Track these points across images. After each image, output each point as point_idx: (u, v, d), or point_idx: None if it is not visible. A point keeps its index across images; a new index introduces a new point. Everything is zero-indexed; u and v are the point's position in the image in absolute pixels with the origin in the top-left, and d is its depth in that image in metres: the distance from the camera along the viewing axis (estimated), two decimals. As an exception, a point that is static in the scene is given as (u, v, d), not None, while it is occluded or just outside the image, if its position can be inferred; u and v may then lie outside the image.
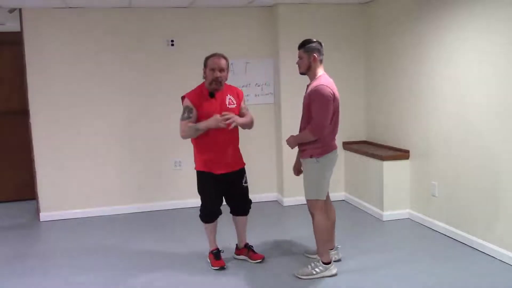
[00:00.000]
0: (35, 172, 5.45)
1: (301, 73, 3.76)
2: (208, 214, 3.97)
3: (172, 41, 5.61)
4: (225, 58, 3.79)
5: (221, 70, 3.73)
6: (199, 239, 4.62)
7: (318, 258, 3.73)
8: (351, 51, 5.83)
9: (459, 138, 4.30)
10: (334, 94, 3.57)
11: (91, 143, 5.52)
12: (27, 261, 4.28)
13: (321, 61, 3.69)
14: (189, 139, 3.93)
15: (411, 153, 5.03)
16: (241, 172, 3.98)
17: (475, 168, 4.13)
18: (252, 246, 4.15)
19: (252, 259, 4.07)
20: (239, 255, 4.17)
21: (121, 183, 5.65)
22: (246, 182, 4.01)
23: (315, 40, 3.73)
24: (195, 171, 5.71)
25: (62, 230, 5.14)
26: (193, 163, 5.77)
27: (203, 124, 3.70)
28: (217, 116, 3.67)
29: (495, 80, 3.88)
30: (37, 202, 5.49)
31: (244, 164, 4.01)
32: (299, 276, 3.71)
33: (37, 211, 5.51)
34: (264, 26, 5.80)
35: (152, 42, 5.57)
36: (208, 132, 3.74)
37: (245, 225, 4.14)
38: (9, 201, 6.24)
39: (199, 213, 4.03)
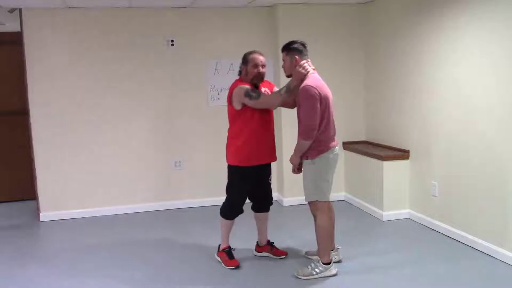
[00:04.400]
0: (35, 172, 5.45)
1: (287, 76, 3.75)
2: (236, 210, 3.98)
3: (172, 41, 5.61)
4: (263, 55, 3.88)
5: (263, 66, 3.83)
6: (200, 239, 4.63)
7: (318, 258, 3.73)
8: (351, 51, 5.83)
9: (459, 138, 4.30)
10: (321, 94, 3.53)
11: (91, 143, 5.52)
12: (27, 261, 4.27)
13: None
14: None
15: (411, 153, 5.03)
16: (270, 167, 4.08)
17: (475, 168, 4.13)
18: (274, 243, 4.21)
19: (276, 255, 4.13)
20: (260, 252, 4.20)
21: (121, 183, 5.65)
22: (271, 179, 4.11)
23: (297, 41, 3.70)
24: (196, 171, 5.78)
25: (62, 230, 5.14)
26: (194, 162, 5.80)
27: (293, 82, 3.67)
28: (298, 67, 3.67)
29: (495, 79, 3.88)
30: (37, 202, 5.49)
31: (276, 158, 4.09)
32: (299, 277, 3.71)
33: (37, 211, 5.51)
34: (264, 26, 5.80)
35: (152, 42, 5.56)
36: (260, 119, 3.80)
37: (267, 221, 4.19)
38: (9, 201, 6.24)
39: (220, 208, 4.03)
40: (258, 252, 4.21)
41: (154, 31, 5.56)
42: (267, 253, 4.17)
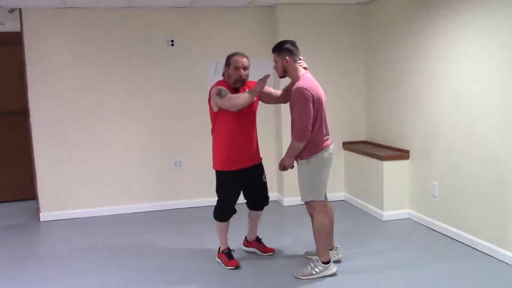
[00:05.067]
0: (35, 172, 5.45)
1: (280, 77, 3.78)
2: (226, 212, 3.97)
3: (172, 41, 5.61)
4: (247, 57, 3.83)
5: (245, 68, 3.77)
6: (200, 239, 4.64)
7: (317, 258, 3.73)
8: (350, 51, 5.83)
9: (459, 137, 4.30)
10: (314, 95, 3.53)
11: (91, 143, 5.52)
12: (27, 261, 4.28)
13: (295, 61, 3.66)
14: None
15: (411, 153, 5.03)
16: (261, 167, 4.06)
17: (475, 168, 4.13)
18: (261, 239, 4.23)
19: (263, 252, 4.16)
20: (248, 247, 4.23)
21: (121, 183, 5.65)
22: (265, 178, 4.10)
23: (288, 41, 3.70)
24: (196, 171, 5.78)
25: (62, 230, 5.14)
26: (194, 162, 5.80)
27: (255, 91, 3.71)
28: (261, 80, 3.73)
29: (495, 80, 3.88)
30: (37, 202, 5.49)
31: (260, 159, 4.08)
32: (299, 277, 3.71)
33: (37, 211, 5.51)
34: (264, 26, 5.80)
35: (152, 42, 5.57)
36: (237, 122, 3.78)
37: (259, 220, 4.21)
38: (9, 201, 6.24)
39: (212, 211, 4.02)
40: (246, 247, 4.25)
41: (154, 31, 5.56)
42: (254, 249, 4.21)
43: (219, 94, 3.69)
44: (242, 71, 3.75)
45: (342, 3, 5.68)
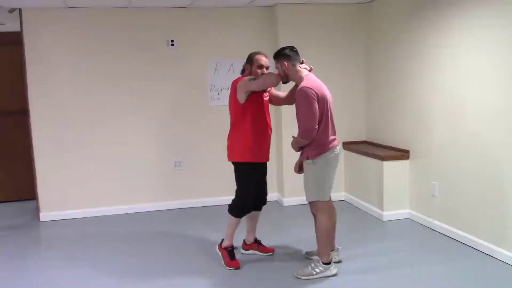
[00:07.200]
0: (35, 172, 5.45)
1: (283, 83, 3.81)
2: (247, 207, 3.97)
3: (172, 41, 5.61)
4: (266, 56, 3.95)
5: (267, 67, 3.89)
6: (200, 239, 4.63)
7: (318, 258, 3.73)
8: (351, 51, 5.83)
9: (459, 138, 4.30)
10: (319, 94, 3.55)
11: (91, 143, 5.52)
12: (27, 261, 4.28)
13: (294, 66, 3.68)
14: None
15: (411, 153, 5.03)
16: (267, 166, 4.12)
17: (475, 167, 4.13)
18: (260, 240, 4.24)
19: (263, 252, 4.18)
20: (247, 250, 4.23)
21: (121, 183, 5.65)
22: (267, 178, 4.15)
23: (286, 47, 3.75)
24: (196, 171, 5.78)
25: (62, 230, 5.14)
26: (194, 162, 5.80)
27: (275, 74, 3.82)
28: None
29: (496, 80, 3.88)
30: (37, 202, 5.49)
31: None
32: (299, 277, 3.71)
33: (37, 211, 5.51)
34: (264, 26, 5.80)
35: (152, 42, 5.56)
36: (261, 116, 3.89)
37: (258, 221, 4.23)
38: (9, 201, 6.24)
39: (228, 206, 4.02)
40: (245, 250, 4.24)
41: (154, 31, 5.56)
42: (254, 251, 4.21)
43: (252, 79, 3.79)
44: (265, 70, 3.87)
45: (342, 3, 5.68)
